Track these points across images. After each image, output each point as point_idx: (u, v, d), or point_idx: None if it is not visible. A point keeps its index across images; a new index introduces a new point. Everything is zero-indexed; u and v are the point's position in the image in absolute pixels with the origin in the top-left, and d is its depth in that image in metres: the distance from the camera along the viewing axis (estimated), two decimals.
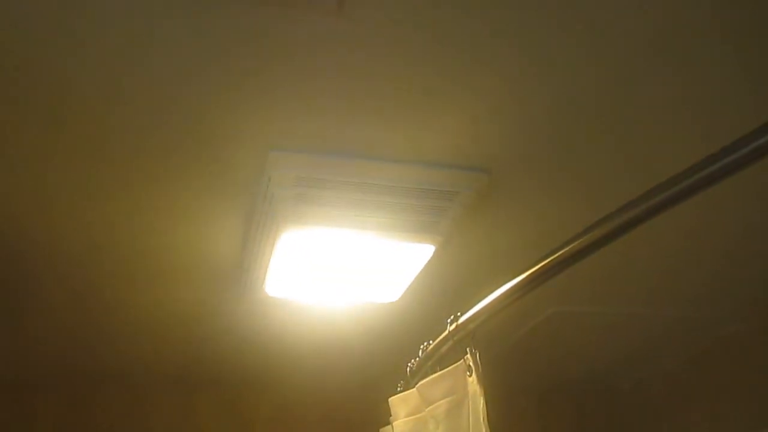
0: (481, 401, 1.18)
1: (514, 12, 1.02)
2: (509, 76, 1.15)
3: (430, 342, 1.46)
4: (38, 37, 1.00)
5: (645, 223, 0.93)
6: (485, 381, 1.21)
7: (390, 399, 1.58)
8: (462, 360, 1.27)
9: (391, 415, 1.58)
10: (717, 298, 2.15)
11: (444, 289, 1.90)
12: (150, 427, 2.59)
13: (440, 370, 1.35)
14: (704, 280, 2.01)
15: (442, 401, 1.32)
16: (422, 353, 1.50)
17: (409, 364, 1.57)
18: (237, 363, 2.48)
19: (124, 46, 1.03)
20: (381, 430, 1.83)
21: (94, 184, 1.39)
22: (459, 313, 1.31)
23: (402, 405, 1.53)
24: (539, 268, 1.10)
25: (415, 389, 1.44)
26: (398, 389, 1.61)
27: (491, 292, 1.21)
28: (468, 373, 1.25)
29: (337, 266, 1.57)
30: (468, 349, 1.26)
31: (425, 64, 1.11)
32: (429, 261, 1.59)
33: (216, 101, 1.17)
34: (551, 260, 1.08)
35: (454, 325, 1.32)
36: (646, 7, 1.02)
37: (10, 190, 1.39)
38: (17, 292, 1.83)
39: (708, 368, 2.61)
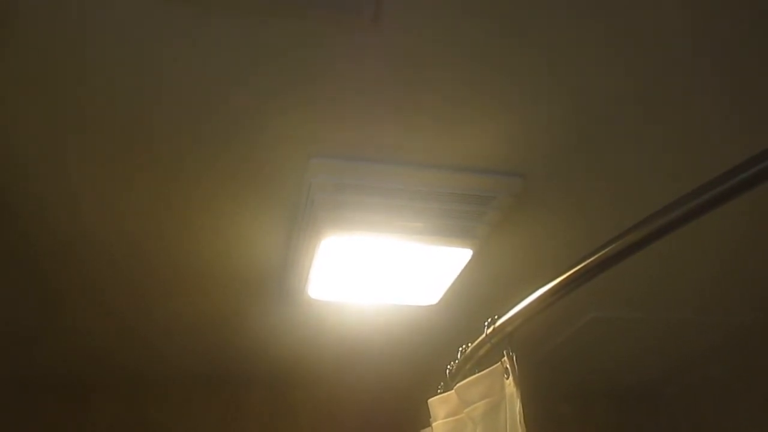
0: (518, 403, 1.19)
1: (546, 24, 1.03)
2: (542, 83, 1.16)
3: (469, 344, 1.47)
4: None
5: (683, 227, 0.91)
6: (522, 384, 1.22)
7: (429, 400, 1.60)
8: (499, 362, 1.29)
9: (430, 416, 1.60)
10: (764, 304, 2.10)
11: (482, 292, 1.91)
12: (201, 422, 2.66)
13: (478, 372, 1.36)
14: (752, 285, 1.97)
15: (479, 403, 1.33)
16: (461, 355, 1.52)
17: (448, 366, 1.59)
18: (282, 362, 2.53)
19: (170, 59, 1.09)
20: (421, 431, 1.85)
21: (143, 192, 1.45)
22: (496, 316, 1.32)
23: (441, 406, 1.55)
24: (575, 272, 1.10)
25: (453, 391, 1.46)
26: (438, 390, 1.62)
27: (528, 295, 1.22)
28: (505, 376, 1.25)
29: (376, 270, 1.60)
30: (505, 352, 1.27)
31: (459, 72, 1.14)
32: (467, 264, 1.61)
33: (259, 111, 1.21)
34: (587, 264, 1.07)
35: (491, 328, 1.33)
36: (682, 8, 1.02)
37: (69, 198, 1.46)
38: (76, 292, 1.92)
39: (758, 376, 2.55)
